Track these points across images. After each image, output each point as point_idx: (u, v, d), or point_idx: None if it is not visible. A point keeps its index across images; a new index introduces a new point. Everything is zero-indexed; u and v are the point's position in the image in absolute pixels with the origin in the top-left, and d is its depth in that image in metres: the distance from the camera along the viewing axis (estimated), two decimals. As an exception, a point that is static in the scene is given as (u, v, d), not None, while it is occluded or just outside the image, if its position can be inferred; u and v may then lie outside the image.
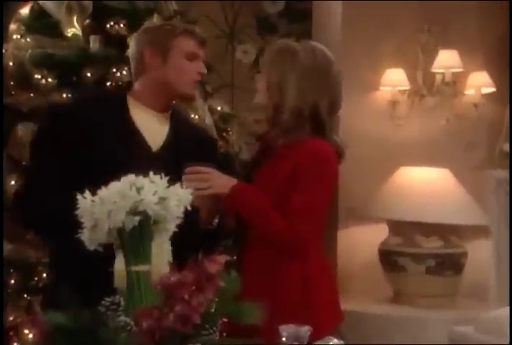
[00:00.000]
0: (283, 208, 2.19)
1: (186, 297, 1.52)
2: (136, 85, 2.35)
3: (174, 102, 2.38)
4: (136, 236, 1.70)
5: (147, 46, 2.31)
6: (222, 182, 2.22)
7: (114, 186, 1.72)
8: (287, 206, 2.18)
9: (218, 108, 3.51)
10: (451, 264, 3.74)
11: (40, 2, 3.35)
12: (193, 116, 3.40)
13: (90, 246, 1.72)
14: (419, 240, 3.74)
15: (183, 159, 2.27)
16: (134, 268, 1.69)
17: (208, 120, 3.38)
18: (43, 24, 3.33)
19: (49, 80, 3.19)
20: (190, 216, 2.26)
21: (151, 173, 1.74)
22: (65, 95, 3.22)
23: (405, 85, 4.01)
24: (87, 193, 1.71)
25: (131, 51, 2.38)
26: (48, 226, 2.20)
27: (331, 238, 4.01)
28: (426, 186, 3.80)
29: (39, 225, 2.25)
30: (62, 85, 3.22)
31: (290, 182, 2.20)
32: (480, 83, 3.99)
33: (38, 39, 3.29)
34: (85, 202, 1.71)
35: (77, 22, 3.31)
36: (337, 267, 3.98)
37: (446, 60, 3.92)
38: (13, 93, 3.25)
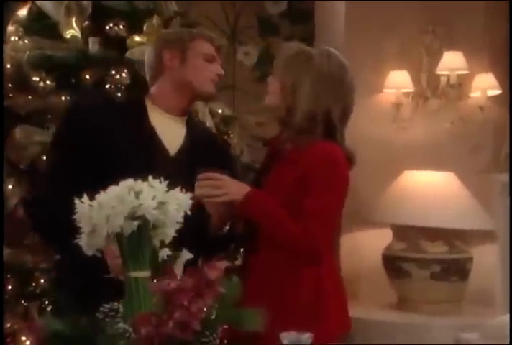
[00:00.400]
0: (294, 213, 2.18)
1: (185, 303, 1.50)
2: (154, 89, 2.37)
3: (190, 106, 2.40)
4: (135, 241, 1.67)
5: (165, 48, 2.35)
6: (235, 189, 2.21)
7: (113, 190, 1.69)
8: (299, 211, 2.18)
9: (219, 111, 3.45)
10: (456, 270, 3.68)
11: (38, 3, 3.29)
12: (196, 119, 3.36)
13: (88, 251, 1.70)
14: (424, 245, 3.68)
15: (198, 163, 2.27)
16: (133, 274, 1.67)
17: (209, 123, 3.32)
18: (41, 25, 3.29)
19: (48, 82, 3.15)
20: (201, 222, 2.26)
21: (150, 177, 1.73)
22: (63, 98, 3.18)
23: (410, 88, 3.95)
24: (85, 198, 1.69)
25: (147, 56, 2.40)
26: (59, 230, 2.17)
27: (334, 242, 3.94)
28: (431, 190, 3.74)
29: (50, 229, 2.23)
30: (61, 87, 3.18)
31: (300, 187, 2.20)
32: (486, 85, 3.93)
33: (36, 41, 3.25)
34: (83, 206, 1.69)
35: (76, 24, 3.26)
36: (340, 273, 3.92)
37: (451, 62, 3.86)
38: (11, 95, 3.20)
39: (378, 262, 3.80)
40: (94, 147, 2.23)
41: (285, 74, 2.26)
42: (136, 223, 1.66)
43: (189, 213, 1.76)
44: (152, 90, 2.36)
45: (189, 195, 1.76)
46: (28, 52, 3.19)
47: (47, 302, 2.99)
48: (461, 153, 3.97)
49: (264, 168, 2.35)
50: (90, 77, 3.18)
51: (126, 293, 1.67)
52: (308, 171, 2.20)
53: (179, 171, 2.21)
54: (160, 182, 1.72)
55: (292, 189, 2.22)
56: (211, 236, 2.32)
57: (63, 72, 3.18)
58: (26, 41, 3.24)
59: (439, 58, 3.90)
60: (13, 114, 3.15)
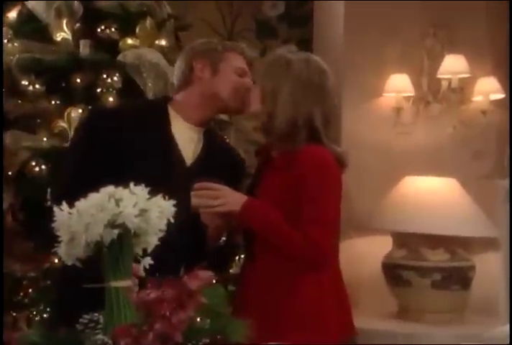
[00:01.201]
0: (292, 220, 2.17)
1: (166, 314, 1.46)
2: (180, 97, 2.35)
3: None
4: (116, 249, 1.62)
5: (197, 58, 2.34)
6: (233, 200, 2.20)
7: (93, 197, 1.64)
8: (297, 218, 2.17)
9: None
10: (458, 278, 3.59)
11: (29, 5, 3.22)
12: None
13: (68, 261, 1.64)
14: (424, 253, 3.59)
15: (212, 175, 2.25)
16: (114, 284, 1.63)
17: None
18: (31, 28, 3.24)
19: (37, 86, 3.09)
20: (198, 233, 2.22)
21: (131, 184, 1.67)
22: (53, 102, 3.12)
23: (410, 92, 3.87)
24: (64, 205, 1.64)
25: (178, 63, 2.41)
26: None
27: (337, 247, 3.86)
28: (432, 196, 3.65)
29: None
30: (51, 91, 3.12)
31: (294, 193, 2.19)
32: (489, 89, 3.84)
33: (26, 44, 3.19)
34: (62, 214, 1.64)
35: (66, 26, 3.20)
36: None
37: (453, 66, 3.78)
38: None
39: (378, 270, 3.72)
40: (112, 152, 2.20)
41: (264, 81, 2.27)
42: (116, 231, 1.61)
43: (172, 220, 1.71)
44: (178, 98, 2.35)
45: (172, 202, 1.71)
46: (17, 56, 3.13)
47: (35, 313, 2.92)
48: (463, 158, 3.89)
49: (256, 178, 2.34)
50: (81, 80, 3.12)
51: (106, 304, 1.63)
52: (299, 177, 2.19)
53: (193, 181, 2.20)
54: (142, 189, 1.66)
55: (285, 196, 2.20)
56: (207, 248, 2.30)
57: (53, 76, 3.13)
58: (15, 44, 3.18)
59: (440, 62, 3.81)
60: (2, 119, 3.08)
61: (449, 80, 3.82)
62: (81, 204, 1.63)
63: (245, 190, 2.33)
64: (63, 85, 3.12)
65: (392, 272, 3.65)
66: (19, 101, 3.11)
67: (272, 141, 2.29)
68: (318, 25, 4.19)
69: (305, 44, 4.18)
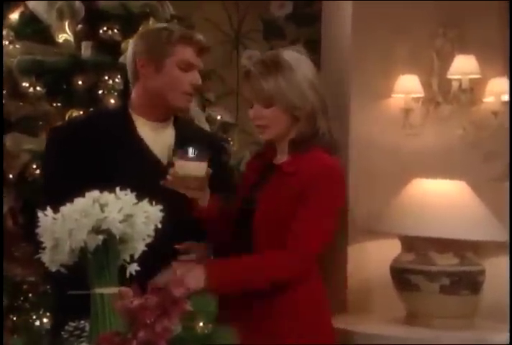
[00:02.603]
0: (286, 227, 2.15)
1: (150, 322, 1.45)
2: (132, 96, 2.29)
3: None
4: (101, 256, 1.61)
5: (141, 54, 2.21)
6: (193, 281, 2.08)
7: (77, 202, 1.61)
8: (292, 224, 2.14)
9: (218, 117, 3.34)
10: (467, 283, 3.51)
11: (30, 6, 3.20)
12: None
13: (52, 267, 1.64)
14: (433, 257, 3.52)
15: None
16: (98, 290, 1.61)
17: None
18: (33, 29, 3.21)
19: (38, 88, 3.06)
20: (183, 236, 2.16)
21: (117, 189, 1.64)
22: (54, 105, 3.09)
23: (420, 93, 3.80)
24: (49, 210, 1.61)
25: (127, 57, 2.31)
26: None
27: (340, 254, 3.81)
28: (441, 199, 3.58)
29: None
30: (52, 93, 3.09)
31: (296, 201, 2.15)
32: (500, 90, 3.76)
33: (27, 46, 3.17)
34: (47, 220, 1.62)
35: (68, 28, 3.16)
36: (347, 285, 3.79)
37: (463, 66, 3.70)
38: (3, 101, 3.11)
39: (386, 274, 3.65)
40: (85, 164, 2.15)
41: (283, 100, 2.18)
42: (101, 237, 1.59)
43: (159, 226, 1.68)
44: (132, 96, 2.25)
45: (159, 207, 1.68)
46: (18, 57, 3.10)
47: (34, 317, 2.89)
48: (473, 161, 3.81)
49: (258, 184, 2.27)
50: (82, 82, 3.09)
51: (91, 311, 1.60)
52: (304, 183, 2.14)
53: None
54: (125, 194, 1.63)
55: (287, 202, 2.17)
56: None
57: (54, 78, 3.09)
58: (17, 46, 3.15)
59: (450, 62, 3.74)
60: (3, 121, 3.06)
61: (460, 81, 3.75)
62: (66, 209, 1.61)
63: (246, 198, 2.27)
64: (64, 87, 3.10)
65: (401, 276, 3.59)
66: (21, 103, 3.08)
67: (277, 145, 2.24)
68: (326, 25, 4.13)
69: (313, 44, 4.12)
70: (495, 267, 3.68)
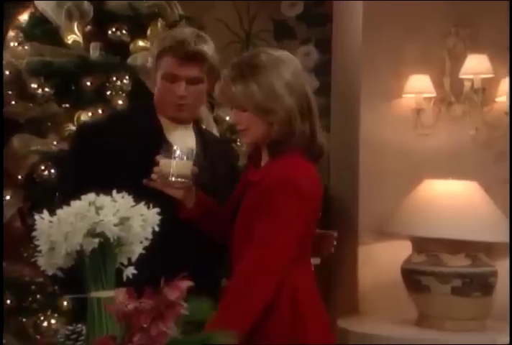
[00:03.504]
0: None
1: (145, 326, 1.42)
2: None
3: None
4: (97, 259, 1.58)
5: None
6: None
7: (73, 205, 1.60)
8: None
9: (227, 118, 3.32)
10: (479, 285, 3.48)
11: (40, 8, 3.20)
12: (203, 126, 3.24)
13: (49, 270, 1.61)
14: (444, 258, 3.49)
15: (212, 170, 2.25)
16: (95, 294, 1.59)
17: (214, 131, 3.19)
18: (42, 30, 3.20)
19: (46, 89, 3.05)
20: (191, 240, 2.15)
21: (114, 191, 1.62)
22: (63, 106, 3.10)
23: (431, 92, 3.77)
24: (45, 213, 1.59)
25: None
26: None
27: (351, 255, 3.79)
28: (452, 200, 3.54)
29: None
30: (60, 94, 3.09)
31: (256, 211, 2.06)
32: (513, 90, 3.73)
33: (36, 47, 3.16)
34: (43, 223, 1.60)
35: (77, 29, 3.16)
36: (358, 287, 3.77)
37: (475, 65, 3.67)
38: (12, 102, 3.12)
39: (398, 276, 3.62)
40: (111, 162, 2.16)
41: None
42: (96, 240, 1.57)
43: (157, 229, 1.66)
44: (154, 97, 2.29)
45: (156, 210, 1.65)
46: (27, 59, 3.10)
47: (42, 318, 2.89)
48: (486, 161, 3.78)
49: (240, 196, 2.20)
50: (90, 83, 3.08)
51: (88, 315, 1.59)
52: (261, 196, 2.05)
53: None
54: (122, 196, 1.61)
55: (251, 211, 2.08)
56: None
57: (63, 79, 3.09)
58: (26, 47, 3.15)
59: (462, 61, 3.71)
60: (11, 122, 3.06)
61: (472, 81, 3.71)
62: (62, 212, 1.59)
63: (232, 210, 2.19)
64: (73, 88, 3.09)
65: (411, 277, 3.56)
66: (30, 105, 3.09)
67: (262, 149, 2.18)
68: (337, 25, 4.11)
69: (324, 44, 4.10)
70: (507, 268, 3.65)
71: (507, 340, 3.23)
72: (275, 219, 2.01)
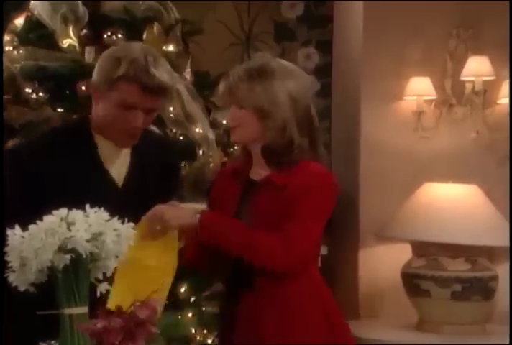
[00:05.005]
0: None
1: (116, 343, 1.45)
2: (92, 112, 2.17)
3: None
4: (69, 275, 1.58)
5: (94, 75, 2.13)
6: (188, 214, 2.09)
7: (45, 221, 1.59)
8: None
9: (224, 122, 3.30)
10: (479, 289, 3.45)
11: (35, 12, 3.19)
12: (197, 130, 3.23)
13: (20, 286, 1.60)
14: (444, 262, 3.46)
15: (145, 191, 2.13)
16: (67, 310, 1.57)
17: (211, 135, 3.18)
18: (38, 34, 3.19)
19: (41, 94, 3.04)
20: None
21: (87, 206, 1.60)
22: (58, 110, 3.09)
23: (432, 95, 3.73)
24: (17, 229, 1.58)
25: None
26: None
27: (351, 259, 3.77)
28: (453, 204, 3.51)
29: None
30: (55, 99, 3.08)
31: (284, 211, 2.11)
32: (515, 92, 3.68)
33: (31, 51, 3.15)
34: (15, 238, 1.59)
35: (73, 33, 3.15)
36: (358, 291, 3.74)
37: (477, 68, 3.62)
38: (7, 107, 3.11)
39: (398, 279, 3.60)
40: (44, 187, 2.06)
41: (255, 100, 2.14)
42: (68, 256, 1.56)
43: (132, 243, 1.65)
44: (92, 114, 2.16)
45: (131, 224, 1.64)
46: (22, 63, 3.10)
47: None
48: (487, 164, 3.73)
49: (244, 198, 2.21)
50: (85, 88, 3.07)
51: (60, 331, 1.58)
52: (294, 195, 2.11)
53: (128, 202, 2.05)
54: (95, 211, 1.60)
55: (278, 214, 2.12)
56: None
57: (58, 84, 3.08)
58: (21, 51, 3.15)
59: (463, 63, 3.67)
60: (7, 127, 3.06)
61: (473, 83, 3.67)
62: (34, 227, 1.58)
63: (232, 213, 2.21)
64: (67, 92, 3.08)
65: (411, 281, 3.53)
66: (25, 109, 3.08)
67: (253, 155, 2.20)
68: (337, 26, 4.07)
69: (325, 46, 4.07)
70: (508, 273, 3.61)
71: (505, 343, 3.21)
72: (312, 210, 2.13)
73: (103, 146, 2.13)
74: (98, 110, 2.12)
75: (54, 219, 1.56)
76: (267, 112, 2.12)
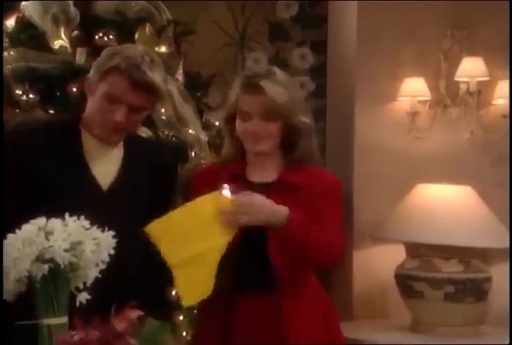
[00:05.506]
0: None
1: None
2: (85, 110, 2.16)
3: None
4: (48, 285, 1.57)
5: (91, 71, 2.12)
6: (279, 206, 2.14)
7: (23, 230, 1.58)
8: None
9: (216, 123, 3.29)
10: (472, 290, 3.44)
11: (26, 13, 3.18)
12: (190, 131, 3.22)
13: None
14: (437, 263, 3.45)
15: (134, 195, 2.10)
16: (46, 321, 1.56)
17: (203, 136, 3.17)
18: (29, 36, 3.17)
19: (31, 95, 3.03)
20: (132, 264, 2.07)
21: (66, 215, 1.59)
22: (49, 112, 3.07)
23: (426, 95, 3.71)
24: None
25: None
26: None
27: (346, 260, 3.75)
28: (446, 205, 3.50)
29: None
30: (45, 100, 3.07)
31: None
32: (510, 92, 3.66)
33: (22, 53, 3.13)
34: None
35: (64, 34, 3.14)
36: (352, 292, 3.73)
37: (471, 68, 3.61)
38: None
39: (392, 281, 3.59)
40: (25, 182, 2.02)
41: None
42: (46, 266, 1.55)
43: (112, 252, 1.63)
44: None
45: (111, 233, 1.63)
46: (13, 64, 3.09)
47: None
48: (482, 165, 3.72)
49: None
50: (76, 89, 3.05)
51: (38, 342, 1.57)
52: (316, 195, 2.22)
53: (113, 208, 2.01)
54: (75, 220, 1.59)
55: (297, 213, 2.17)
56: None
57: (48, 85, 3.07)
58: (11, 52, 3.13)
59: (458, 64, 3.65)
60: (-3, 129, 3.04)
61: (467, 84, 3.65)
62: (12, 237, 1.57)
63: None
64: (58, 94, 3.06)
65: (405, 283, 3.52)
66: (16, 110, 3.07)
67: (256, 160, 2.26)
68: (332, 27, 4.06)
69: (319, 46, 4.05)
70: (502, 274, 3.60)
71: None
72: (337, 209, 2.29)
73: (89, 145, 2.10)
74: (89, 105, 2.11)
75: (32, 228, 1.54)
76: (303, 121, 2.24)
